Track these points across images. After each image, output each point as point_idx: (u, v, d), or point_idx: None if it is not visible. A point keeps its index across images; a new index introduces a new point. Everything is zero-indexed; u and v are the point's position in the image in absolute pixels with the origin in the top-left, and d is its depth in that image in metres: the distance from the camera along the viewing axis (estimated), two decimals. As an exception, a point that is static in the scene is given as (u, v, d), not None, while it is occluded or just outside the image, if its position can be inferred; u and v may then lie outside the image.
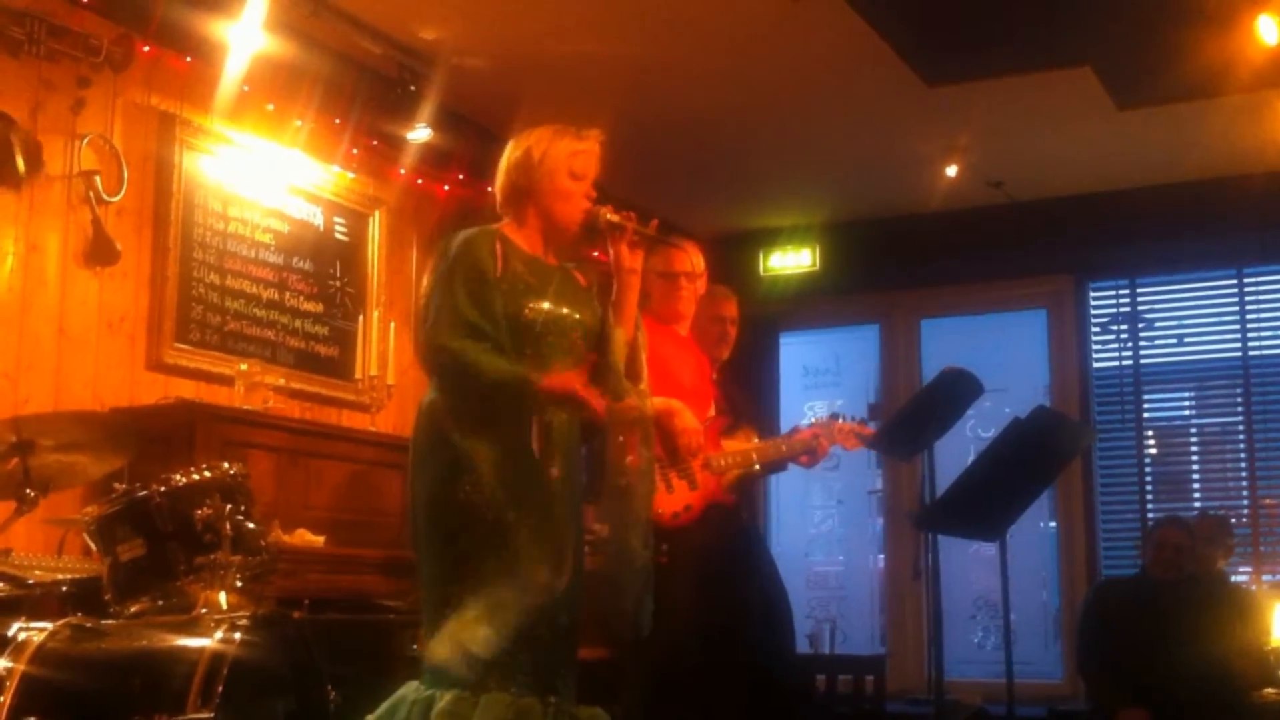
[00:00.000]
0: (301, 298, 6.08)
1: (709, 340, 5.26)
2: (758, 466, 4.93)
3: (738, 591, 4.68)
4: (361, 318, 6.28)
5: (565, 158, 3.65)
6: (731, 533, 4.75)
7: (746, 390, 5.67)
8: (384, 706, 3.42)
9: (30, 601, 3.82)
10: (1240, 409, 8.21)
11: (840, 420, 5.08)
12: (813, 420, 5.19)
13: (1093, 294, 8.57)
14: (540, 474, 3.46)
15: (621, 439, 3.66)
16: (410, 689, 3.43)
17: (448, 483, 3.44)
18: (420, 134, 6.32)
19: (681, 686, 4.45)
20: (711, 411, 4.80)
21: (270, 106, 5.84)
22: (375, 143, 6.34)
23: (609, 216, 3.65)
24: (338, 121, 6.12)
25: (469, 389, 3.45)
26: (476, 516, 3.40)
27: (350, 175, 6.34)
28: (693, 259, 4.81)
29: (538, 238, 3.67)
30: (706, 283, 5.00)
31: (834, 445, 5.05)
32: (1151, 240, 8.09)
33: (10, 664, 3.27)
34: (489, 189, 6.02)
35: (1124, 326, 8.47)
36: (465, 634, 3.35)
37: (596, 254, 3.87)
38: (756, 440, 4.95)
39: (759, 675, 4.67)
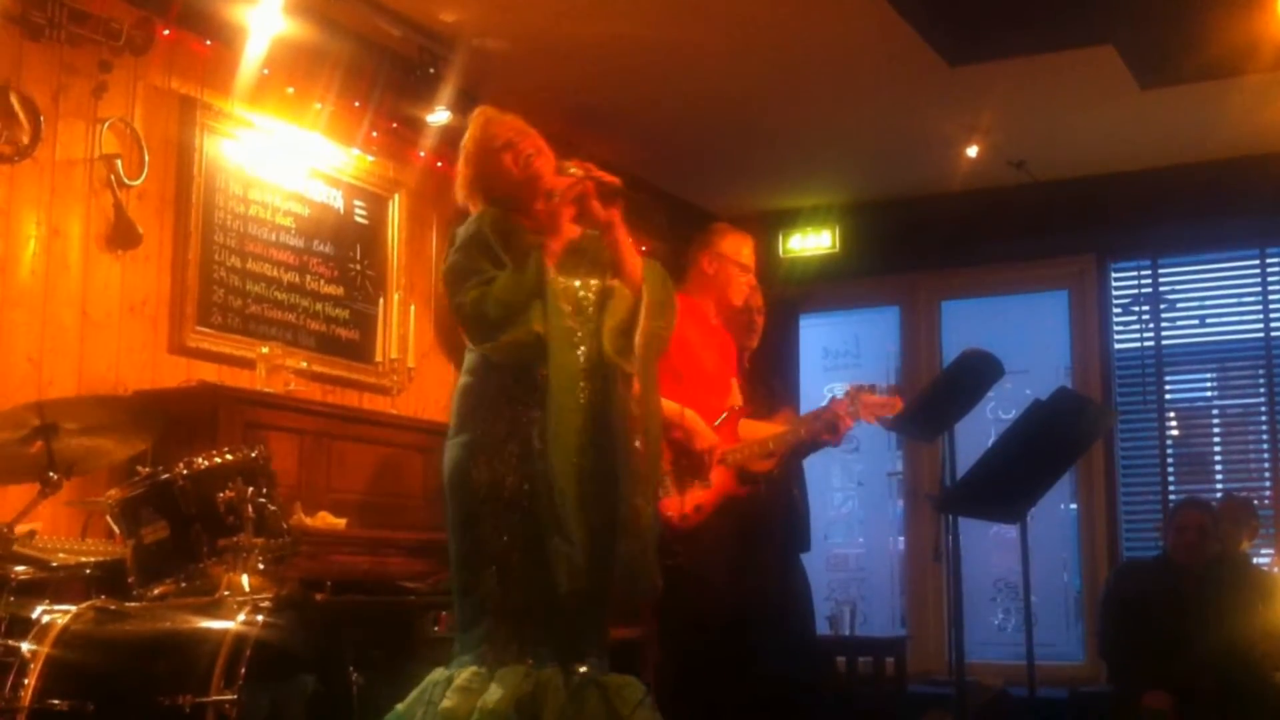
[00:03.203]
0: (322, 281, 6.09)
1: (737, 329, 5.25)
2: (773, 451, 4.87)
3: (751, 582, 4.66)
4: (382, 301, 6.29)
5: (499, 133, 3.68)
6: (751, 522, 4.71)
7: (772, 373, 5.64)
8: (412, 695, 3.45)
9: (54, 584, 3.85)
10: (1263, 390, 8.18)
11: (866, 393, 4.95)
12: (832, 397, 5.09)
13: (1114, 275, 8.54)
14: (564, 453, 3.45)
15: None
16: (436, 674, 3.46)
17: (467, 463, 3.46)
18: (440, 117, 6.31)
19: (691, 677, 4.45)
20: (732, 401, 4.75)
21: (290, 90, 5.85)
22: (395, 125, 6.34)
23: (569, 168, 3.59)
24: (358, 104, 6.12)
25: (491, 330, 3.42)
26: (493, 497, 3.41)
27: (370, 158, 6.34)
28: (752, 253, 4.82)
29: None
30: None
31: (856, 422, 4.96)
32: (1174, 221, 8.05)
33: (35, 646, 3.29)
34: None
35: (1146, 307, 8.44)
36: (485, 616, 3.38)
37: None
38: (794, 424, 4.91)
39: (767, 668, 4.66)
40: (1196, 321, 8.44)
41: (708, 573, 4.41)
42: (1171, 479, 8.33)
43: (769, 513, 4.82)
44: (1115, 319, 8.49)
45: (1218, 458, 8.51)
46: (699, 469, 4.34)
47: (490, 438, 3.45)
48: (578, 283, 3.60)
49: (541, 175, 3.60)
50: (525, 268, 3.44)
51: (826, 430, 4.83)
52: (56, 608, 3.45)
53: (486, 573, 3.40)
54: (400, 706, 3.44)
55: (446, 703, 3.31)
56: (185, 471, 3.70)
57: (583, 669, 3.39)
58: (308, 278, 6.01)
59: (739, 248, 4.80)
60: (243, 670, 3.17)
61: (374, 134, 6.27)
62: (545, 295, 3.43)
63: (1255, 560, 6.76)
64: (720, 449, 4.45)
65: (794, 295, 8.78)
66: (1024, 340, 8.41)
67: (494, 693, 3.28)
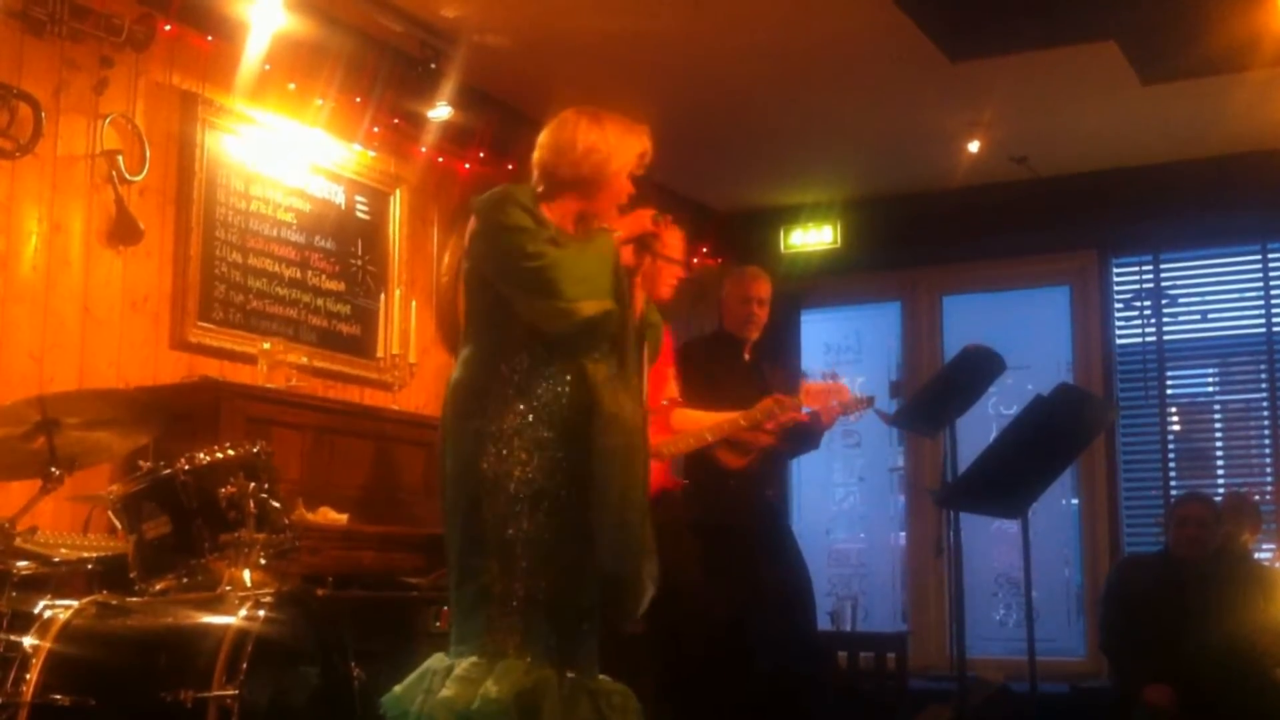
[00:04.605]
0: (323, 276, 6.09)
1: (737, 321, 5.24)
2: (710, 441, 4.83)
3: (745, 578, 4.66)
4: (383, 296, 6.29)
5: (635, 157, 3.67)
6: (732, 519, 4.71)
7: (772, 369, 5.64)
8: (411, 677, 3.45)
9: (56, 579, 3.85)
10: (1264, 385, 8.18)
11: (811, 382, 5.00)
12: (802, 384, 5.13)
13: (1116, 270, 8.55)
14: (570, 447, 3.45)
15: None
16: (436, 660, 3.46)
17: (472, 454, 3.45)
18: (441, 112, 6.32)
19: (690, 677, 4.45)
20: (667, 393, 4.69)
21: (292, 85, 5.84)
22: (397, 121, 6.34)
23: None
24: (359, 100, 6.12)
25: (568, 289, 3.39)
26: (499, 487, 3.41)
27: (372, 154, 6.34)
28: (681, 243, 4.77)
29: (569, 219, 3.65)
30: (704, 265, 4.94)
31: (840, 416, 4.98)
32: (1176, 216, 8.05)
33: (37, 641, 3.29)
34: (510, 167, 6.03)
35: (1148, 302, 8.45)
36: (485, 605, 3.37)
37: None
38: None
39: (767, 664, 4.66)
40: (1198, 316, 8.44)
41: (699, 574, 4.42)
42: (1173, 474, 8.34)
43: (747, 508, 4.83)
44: (1117, 314, 8.50)
45: (1219, 453, 8.53)
46: None
47: (500, 429, 3.44)
48: None
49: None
50: (594, 244, 3.45)
51: (767, 418, 4.80)
52: (58, 603, 3.44)
53: (490, 562, 3.40)
54: (398, 689, 3.44)
55: (446, 692, 3.30)
56: (187, 467, 3.70)
57: (571, 674, 3.39)
58: (309, 273, 6.01)
59: (679, 242, 4.73)
60: (244, 665, 3.16)
61: (375, 129, 6.26)
62: (620, 273, 3.45)
63: (1256, 555, 6.76)
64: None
65: (795, 290, 8.79)
66: (1026, 335, 8.42)
67: (496, 682, 3.28)
